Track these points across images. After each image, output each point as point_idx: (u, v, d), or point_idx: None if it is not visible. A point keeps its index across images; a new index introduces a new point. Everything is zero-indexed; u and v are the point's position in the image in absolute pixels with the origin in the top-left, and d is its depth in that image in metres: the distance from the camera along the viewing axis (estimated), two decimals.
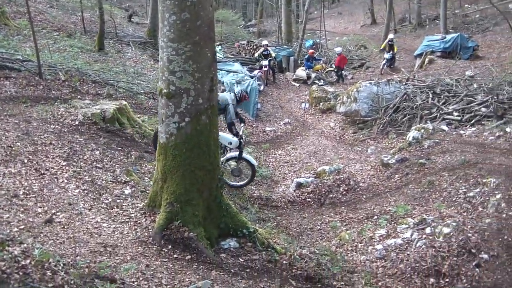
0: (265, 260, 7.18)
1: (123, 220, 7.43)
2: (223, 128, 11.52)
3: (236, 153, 10.71)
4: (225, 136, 10.56)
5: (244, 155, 10.95)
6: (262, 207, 10.82)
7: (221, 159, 10.16)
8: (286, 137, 17.56)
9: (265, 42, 25.12)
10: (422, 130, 13.48)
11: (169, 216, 6.79)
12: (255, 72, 22.25)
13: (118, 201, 8.06)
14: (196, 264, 6.46)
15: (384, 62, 24.78)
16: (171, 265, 6.21)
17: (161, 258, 6.37)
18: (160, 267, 6.05)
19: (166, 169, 6.95)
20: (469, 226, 8.59)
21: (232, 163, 11.27)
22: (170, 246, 6.66)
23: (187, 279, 5.82)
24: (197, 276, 5.97)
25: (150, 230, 7.04)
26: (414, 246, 8.37)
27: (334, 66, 25.94)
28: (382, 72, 24.60)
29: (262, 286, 6.35)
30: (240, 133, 10.71)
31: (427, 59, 24.90)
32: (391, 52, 24.18)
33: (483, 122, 13.61)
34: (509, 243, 8.28)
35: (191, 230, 6.72)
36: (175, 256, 6.51)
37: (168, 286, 5.54)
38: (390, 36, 25.14)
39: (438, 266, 7.83)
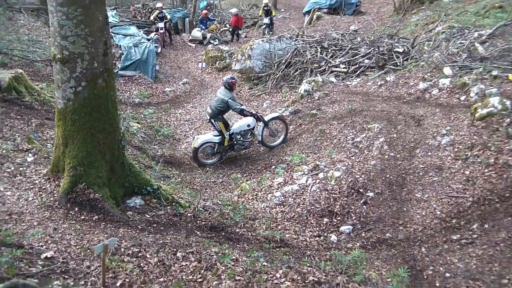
0: (170, 214, 7.15)
1: (27, 187, 7.03)
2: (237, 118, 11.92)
3: (260, 123, 11.36)
4: (241, 124, 11.33)
5: (269, 117, 11.54)
6: (166, 165, 10.65)
7: (257, 134, 11.43)
8: (186, 96, 17.31)
9: (159, 4, 24.32)
10: (313, 83, 13.73)
11: (73, 180, 6.52)
12: (152, 34, 21.74)
13: (21, 169, 7.58)
14: (103, 223, 6.29)
15: (264, 27, 24.59)
16: (79, 227, 6.00)
17: (69, 221, 6.14)
18: (68, 229, 5.82)
19: (66, 134, 6.60)
20: (357, 169, 9.01)
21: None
22: (76, 209, 6.43)
23: (96, 238, 5.65)
24: (105, 235, 5.82)
25: (55, 195, 6.73)
26: (309, 190, 8.65)
27: (229, 26, 25.72)
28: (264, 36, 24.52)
29: (169, 239, 6.28)
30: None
31: (315, 16, 25.31)
32: (268, 17, 24.07)
33: (366, 73, 14.13)
34: (391, 180, 8.81)
35: (97, 191, 6.53)
36: (82, 217, 6.30)
37: (77, 247, 5.33)
38: (265, 1, 24.98)
39: (331, 207, 8.21)
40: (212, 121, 11.09)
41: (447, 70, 11.71)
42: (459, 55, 12.36)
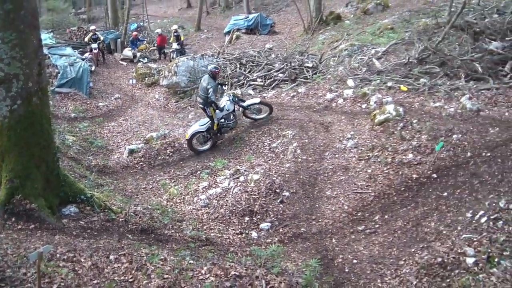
0: (103, 220, 7.21)
1: None
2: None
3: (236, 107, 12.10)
4: (218, 113, 11.60)
5: (248, 103, 12.22)
6: (100, 174, 10.63)
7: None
8: (118, 110, 17.19)
9: (93, 27, 24.44)
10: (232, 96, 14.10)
11: (10, 192, 6.54)
12: (86, 54, 21.72)
13: None
14: (40, 231, 6.32)
15: (171, 51, 24.32)
16: (15, 236, 6.00)
17: (6, 231, 6.12)
18: (5, 239, 5.81)
19: (2, 149, 6.66)
20: (273, 172, 9.45)
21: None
22: (13, 219, 6.40)
23: (32, 246, 5.67)
24: (42, 242, 5.86)
25: None
26: (231, 192, 8.97)
27: (156, 45, 25.80)
28: (171, 60, 24.05)
29: (102, 243, 6.36)
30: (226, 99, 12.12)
31: (234, 36, 25.93)
32: (177, 42, 24.05)
33: (281, 86, 14.80)
34: (304, 181, 9.32)
35: (33, 202, 6.56)
36: (19, 227, 6.30)
37: (14, 255, 5.35)
38: (174, 27, 25.05)
39: (251, 207, 8.55)
40: (206, 108, 11.46)
41: (350, 82, 12.55)
42: (360, 69, 13.27)
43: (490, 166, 8.03)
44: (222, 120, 11.69)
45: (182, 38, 24.82)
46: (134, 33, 26.00)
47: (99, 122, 15.34)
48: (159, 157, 11.87)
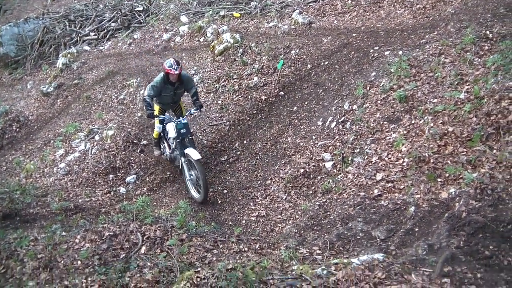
0: None
1: None
2: None
3: None
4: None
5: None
6: None
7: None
8: None
9: None
10: (69, 55, 12.39)
11: None
12: None
13: None
14: None
15: None
16: None
17: None
18: None
19: None
20: (127, 123, 8.47)
21: None
22: None
23: None
24: None
25: None
26: (90, 154, 7.97)
27: None
28: None
29: None
30: None
31: None
32: None
33: (115, 35, 13.20)
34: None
35: None
36: None
37: None
38: None
39: (113, 163, 7.68)
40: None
41: (183, 18, 11.57)
42: (191, 3, 12.26)
43: (329, 73, 7.89)
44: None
45: None
46: None
47: None
48: (6, 136, 10.25)
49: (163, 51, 10.94)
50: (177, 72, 6.60)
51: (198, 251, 4.78)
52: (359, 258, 3.74)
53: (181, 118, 6.98)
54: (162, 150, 7.57)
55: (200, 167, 6.54)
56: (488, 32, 6.29)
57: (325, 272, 3.56)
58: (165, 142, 7.42)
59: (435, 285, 3.22)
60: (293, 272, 3.79)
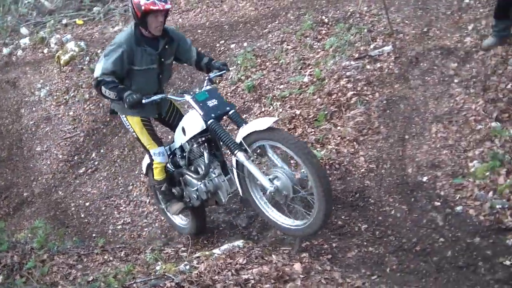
0: None
1: None
2: None
3: None
4: None
5: None
6: None
7: None
8: None
9: None
10: None
11: None
12: None
13: None
14: None
15: None
16: None
17: None
18: None
19: None
20: None
21: None
22: None
23: None
24: None
25: None
26: None
27: None
28: None
29: None
30: None
31: None
32: None
33: None
34: (11, 144, 8.11)
35: None
36: None
37: None
38: None
39: None
40: None
41: (23, 30, 10.70)
42: (30, 14, 11.36)
43: (179, 71, 7.72)
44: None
45: None
46: None
47: None
48: None
49: (4, 67, 10.00)
50: (167, 6, 3.45)
51: (61, 269, 4.50)
52: (220, 248, 3.85)
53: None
54: (184, 199, 4.35)
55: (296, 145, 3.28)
56: (324, 17, 6.83)
57: (187, 267, 3.59)
58: (182, 182, 4.26)
59: (295, 261, 3.41)
60: (157, 273, 3.78)
